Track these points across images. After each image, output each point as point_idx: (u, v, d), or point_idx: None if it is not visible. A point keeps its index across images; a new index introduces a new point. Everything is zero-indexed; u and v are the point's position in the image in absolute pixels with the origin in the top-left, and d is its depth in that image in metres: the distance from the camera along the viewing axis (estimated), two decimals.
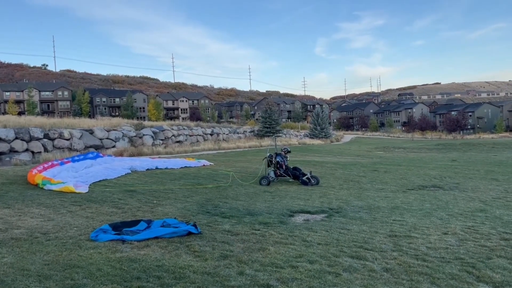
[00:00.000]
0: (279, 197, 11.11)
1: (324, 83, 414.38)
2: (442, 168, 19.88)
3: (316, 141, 53.32)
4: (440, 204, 10.09)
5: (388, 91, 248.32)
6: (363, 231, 7.14)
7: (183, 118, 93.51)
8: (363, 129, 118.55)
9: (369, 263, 5.38)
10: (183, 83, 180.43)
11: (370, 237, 6.71)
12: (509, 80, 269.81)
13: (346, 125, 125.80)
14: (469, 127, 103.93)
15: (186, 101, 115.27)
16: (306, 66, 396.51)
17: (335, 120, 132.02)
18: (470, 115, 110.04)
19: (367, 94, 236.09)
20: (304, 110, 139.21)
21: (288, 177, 13.94)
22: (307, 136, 59.07)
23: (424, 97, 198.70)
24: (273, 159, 14.15)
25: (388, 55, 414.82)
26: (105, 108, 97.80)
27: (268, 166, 14.23)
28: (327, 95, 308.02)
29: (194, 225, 6.93)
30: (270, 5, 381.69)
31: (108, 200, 10.07)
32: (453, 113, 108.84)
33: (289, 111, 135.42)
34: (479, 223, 7.90)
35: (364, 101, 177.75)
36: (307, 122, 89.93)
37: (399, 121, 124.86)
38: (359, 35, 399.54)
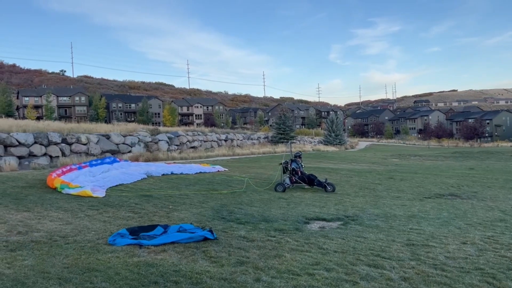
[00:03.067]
0: (294, 203, 11.08)
1: (338, 89, 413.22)
2: (460, 176, 19.57)
3: (331, 148, 53.05)
4: (458, 213, 9.94)
5: (404, 98, 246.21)
6: (380, 240, 7.08)
7: (197, 124, 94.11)
8: (378, 136, 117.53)
9: (386, 272, 5.33)
10: (197, 89, 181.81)
11: (387, 246, 6.64)
12: None
13: (360, 132, 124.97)
14: (486, 135, 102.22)
15: (200, 107, 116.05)
16: (321, 72, 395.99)
17: (349, 127, 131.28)
18: (488, 123, 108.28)
19: (382, 101, 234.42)
20: (318, 116, 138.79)
21: (303, 184, 13.83)
22: (321, 143, 58.80)
23: (441, 104, 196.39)
24: (289, 165, 14.08)
25: (403, 61, 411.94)
26: (121, 114, 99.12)
27: (284, 172, 14.13)
28: (341, 102, 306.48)
29: (210, 231, 6.96)
30: (284, 12, 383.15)
31: (124, 205, 10.18)
32: (470, 120, 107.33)
33: (303, 118, 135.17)
34: (499, 233, 7.76)
35: (379, 108, 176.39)
36: (321, 129, 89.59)
37: (414, 128, 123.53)
38: (374, 42, 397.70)
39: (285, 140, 51.69)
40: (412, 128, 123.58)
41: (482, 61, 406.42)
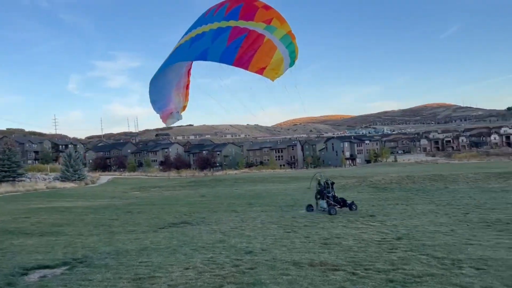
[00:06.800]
0: (12, 253, 9.51)
1: (79, 121, 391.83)
2: (192, 204, 21.29)
3: (69, 184, 49.01)
4: (186, 240, 10.66)
5: (146, 131, 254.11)
6: (107, 279, 6.81)
7: None
8: (121, 169, 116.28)
9: None
10: None
11: (113, 285, 6.45)
12: (247, 124, 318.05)
13: (103, 165, 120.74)
14: (218, 164, 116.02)
15: None
16: (58, 102, 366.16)
17: (91, 161, 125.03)
18: (218, 154, 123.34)
19: (125, 134, 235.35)
20: (55, 150, 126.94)
21: (337, 205, 15.43)
22: (58, 179, 53.68)
23: (180, 138, 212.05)
24: (325, 190, 15.81)
25: (144, 96, 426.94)
26: None
27: (318, 198, 16.01)
28: (82, 135, 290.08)
29: None
30: (13, 34, 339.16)
31: None
32: (204, 152, 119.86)
33: (36, 152, 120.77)
34: (217, 254, 8.70)
35: (121, 141, 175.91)
36: (59, 164, 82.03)
37: (156, 160, 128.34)
38: (116, 75, 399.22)
39: (11, 179, 44.80)
40: (154, 161, 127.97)
41: (210, 99, 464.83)
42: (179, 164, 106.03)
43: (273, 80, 9.74)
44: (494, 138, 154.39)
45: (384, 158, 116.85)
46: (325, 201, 15.64)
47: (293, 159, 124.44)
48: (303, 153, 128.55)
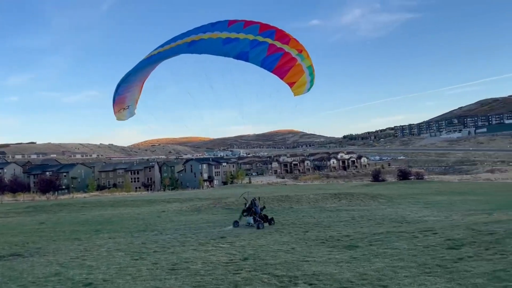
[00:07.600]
0: None
1: None
2: (28, 232, 18.81)
3: None
4: (14, 275, 9.31)
5: None
6: None
7: None
8: None
9: None
10: None
11: None
12: (100, 144, 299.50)
13: None
14: (64, 187, 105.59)
15: None
16: None
17: None
18: (65, 175, 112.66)
19: None
20: None
21: (262, 221, 16.92)
22: None
23: (18, 157, 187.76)
24: (252, 207, 17.32)
25: None
26: None
27: (245, 215, 17.46)
28: None
29: None
30: None
31: None
32: (48, 173, 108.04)
33: None
34: None
35: None
36: None
37: None
38: None
39: None
40: None
41: (60, 116, 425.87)
42: (16, 187, 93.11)
43: (294, 96, 13.00)
44: (333, 162, 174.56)
45: (240, 180, 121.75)
46: (252, 217, 17.27)
47: (150, 181, 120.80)
48: (161, 175, 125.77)
